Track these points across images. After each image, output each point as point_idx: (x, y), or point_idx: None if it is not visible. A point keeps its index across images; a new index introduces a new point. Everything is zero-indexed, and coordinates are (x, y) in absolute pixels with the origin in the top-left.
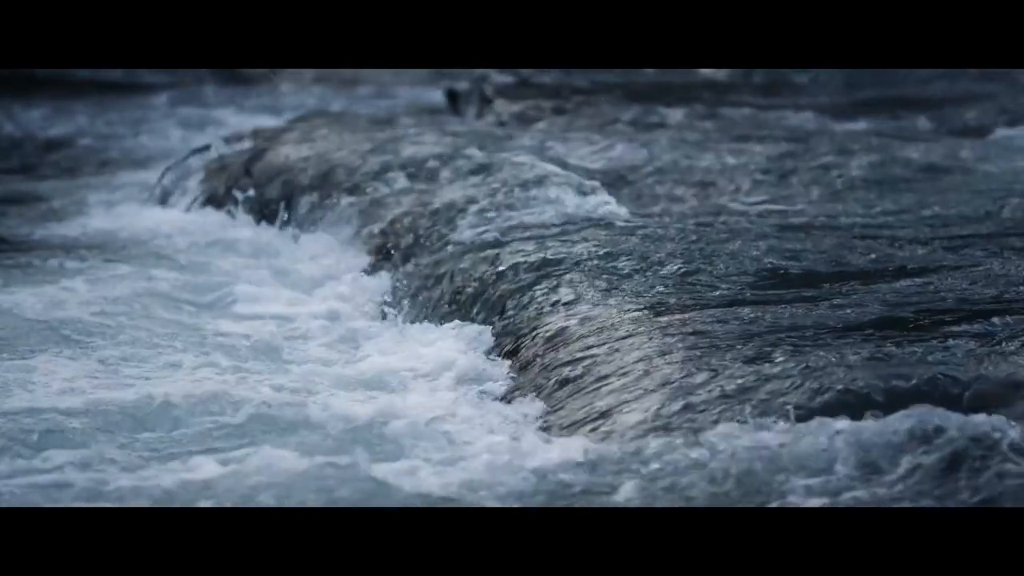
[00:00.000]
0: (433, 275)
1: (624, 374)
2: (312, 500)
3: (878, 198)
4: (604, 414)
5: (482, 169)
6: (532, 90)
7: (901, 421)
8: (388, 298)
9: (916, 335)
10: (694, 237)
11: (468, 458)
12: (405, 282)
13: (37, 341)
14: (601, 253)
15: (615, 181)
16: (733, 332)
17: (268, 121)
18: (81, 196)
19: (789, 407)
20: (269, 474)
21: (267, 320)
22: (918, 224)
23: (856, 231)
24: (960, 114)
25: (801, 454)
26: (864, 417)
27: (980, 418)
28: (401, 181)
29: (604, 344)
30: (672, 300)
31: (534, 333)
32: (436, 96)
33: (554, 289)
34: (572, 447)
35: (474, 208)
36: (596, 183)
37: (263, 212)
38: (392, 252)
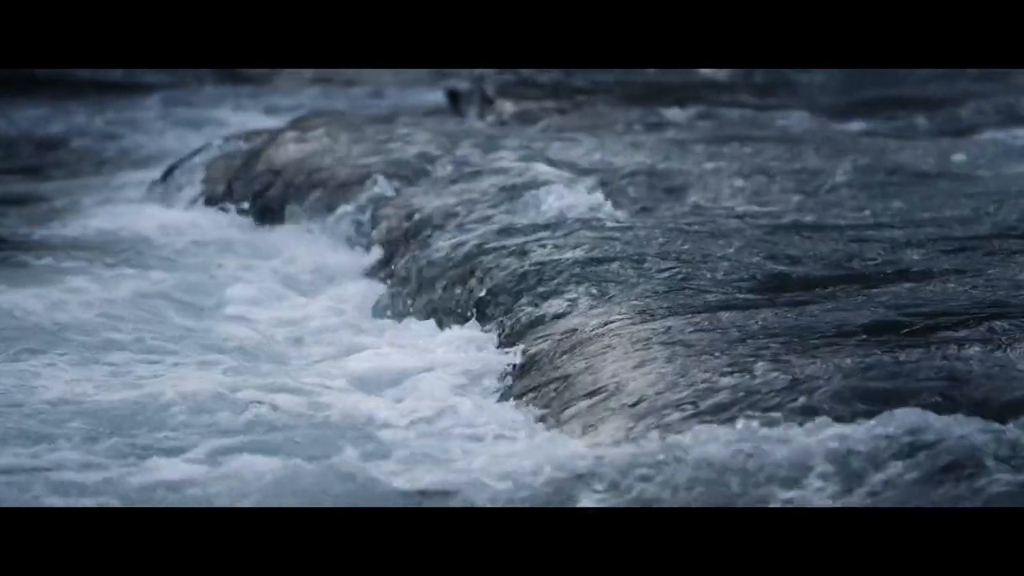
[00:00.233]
0: (432, 276)
1: (619, 376)
2: (312, 500)
3: (875, 201)
4: (601, 415)
5: (482, 170)
6: (533, 90)
7: (888, 426)
8: (387, 299)
9: (908, 340)
10: (690, 239)
11: (467, 459)
12: (404, 283)
13: (36, 342)
14: (597, 255)
15: (615, 182)
16: (730, 335)
17: (268, 121)
18: (81, 196)
19: (787, 410)
20: (269, 475)
21: (266, 321)
22: (911, 227)
23: (851, 234)
24: (958, 115)
25: (800, 456)
26: (852, 422)
27: (968, 423)
28: (401, 182)
29: (601, 345)
30: (668, 302)
31: (533, 335)
32: (437, 96)
33: (552, 291)
34: (571, 448)
35: (473, 209)
36: (595, 185)
37: (263, 212)
38: (391, 253)
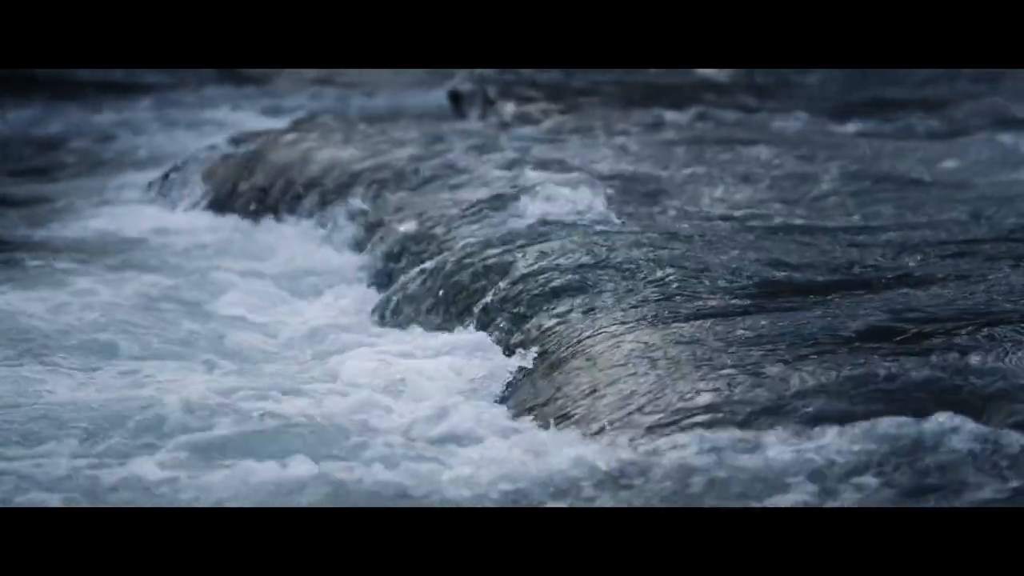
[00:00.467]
0: (432, 279)
1: (618, 380)
2: (312, 500)
3: (868, 205)
4: (600, 417)
5: (482, 172)
6: (535, 91)
7: (881, 430)
8: (385, 302)
9: (901, 346)
10: (686, 244)
11: (466, 460)
12: (404, 285)
13: (35, 344)
14: (593, 260)
15: (611, 186)
16: (728, 338)
17: (268, 122)
18: (80, 197)
19: (781, 417)
20: (269, 475)
21: (265, 323)
22: (905, 231)
23: (845, 239)
24: (957, 116)
25: (797, 459)
26: (845, 425)
27: (960, 429)
28: (401, 184)
29: (600, 348)
30: (663, 308)
31: (530, 339)
32: (438, 97)
33: (548, 295)
34: (571, 448)
35: (473, 211)
36: (592, 189)
37: (263, 214)
38: (392, 255)
